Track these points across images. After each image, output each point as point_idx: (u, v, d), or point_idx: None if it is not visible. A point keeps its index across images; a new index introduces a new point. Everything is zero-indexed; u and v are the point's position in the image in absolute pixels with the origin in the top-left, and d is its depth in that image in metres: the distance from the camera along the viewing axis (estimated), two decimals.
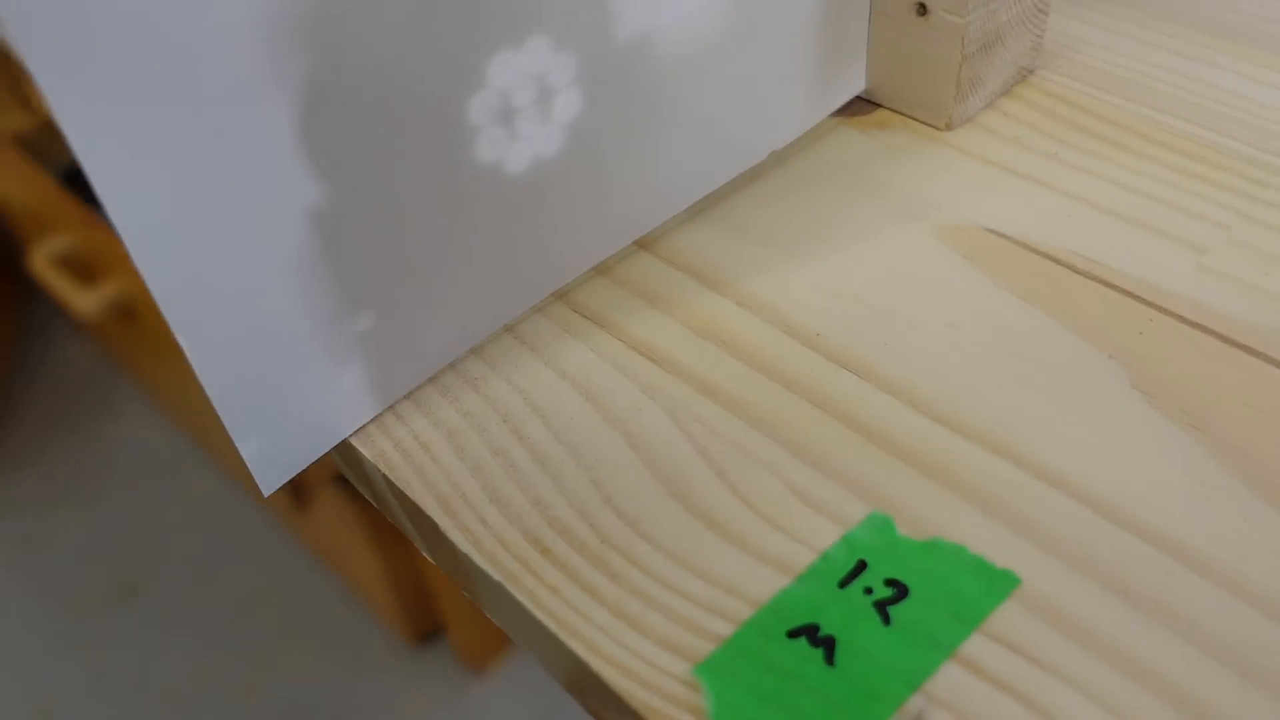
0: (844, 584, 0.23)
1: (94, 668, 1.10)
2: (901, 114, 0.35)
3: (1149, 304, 0.28)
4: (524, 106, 0.25)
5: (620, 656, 0.22)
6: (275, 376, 0.24)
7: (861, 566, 0.23)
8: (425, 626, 1.05)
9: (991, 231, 0.31)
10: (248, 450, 0.25)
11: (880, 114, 0.35)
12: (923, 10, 0.32)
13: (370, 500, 0.28)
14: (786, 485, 0.25)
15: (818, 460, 0.25)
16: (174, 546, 1.19)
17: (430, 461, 0.26)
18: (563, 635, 0.23)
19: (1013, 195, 0.32)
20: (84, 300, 1.02)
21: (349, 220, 0.24)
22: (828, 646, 0.22)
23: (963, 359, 0.27)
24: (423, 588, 1.00)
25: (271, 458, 0.25)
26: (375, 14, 0.22)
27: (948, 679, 0.21)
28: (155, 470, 1.26)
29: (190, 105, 0.20)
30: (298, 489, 1.05)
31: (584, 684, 0.23)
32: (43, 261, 1.06)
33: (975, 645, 0.22)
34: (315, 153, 0.22)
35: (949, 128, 0.34)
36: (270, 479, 0.25)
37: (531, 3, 0.24)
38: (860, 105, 0.36)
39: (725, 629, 0.22)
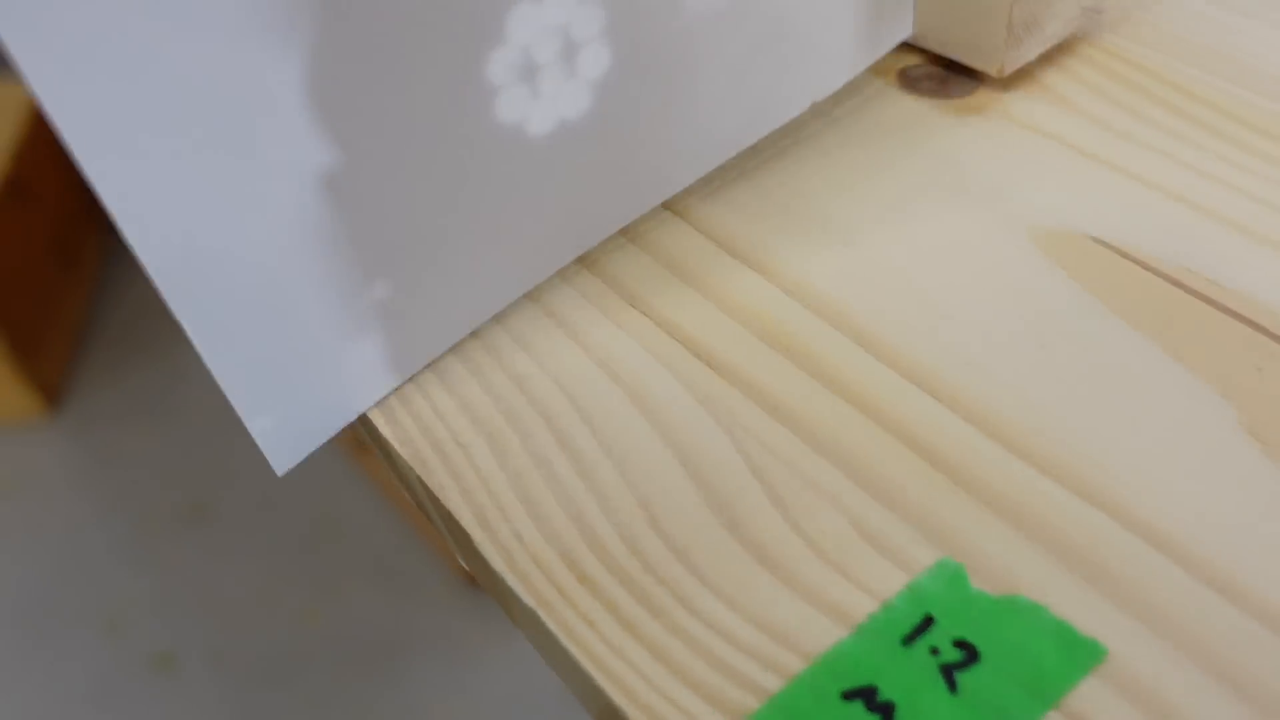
0: (907, 641, 0.21)
1: (161, 584, 1.12)
2: (951, 60, 0.32)
3: (1270, 334, 0.25)
4: (547, 63, 0.23)
5: (657, 705, 0.20)
6: (285, 350, 0.23)
7: (928, 622, 0.21)
8: None
9: (1094, 239, 0.28)
10: (257, 427, 0.23)
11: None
12: None
13: (406, 495, 0.27)
14: (850, 520, 0.23)
15: (883, 492, 0.23)
16: (242, 471, 1.21)
17: (469, 468, 0.24)
18: (596, 674, 0.21)
19: (1115, 195, 0.29)
20: None
21: (362, 184, 0.22)
22: (885, 713, 0.20)
23: (1054, 385, 0.25)
24: None
25: (284, 435, 0.24)
26: None
27: None
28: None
29: (183, 51, 0.18)
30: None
31: None
32: None
33: None
34: (324, 111, 0.20)
35: (1001, 74, 0.31)
36: (283, 458, 0.24)
37: None
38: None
39: (773, 683, 0.20)
